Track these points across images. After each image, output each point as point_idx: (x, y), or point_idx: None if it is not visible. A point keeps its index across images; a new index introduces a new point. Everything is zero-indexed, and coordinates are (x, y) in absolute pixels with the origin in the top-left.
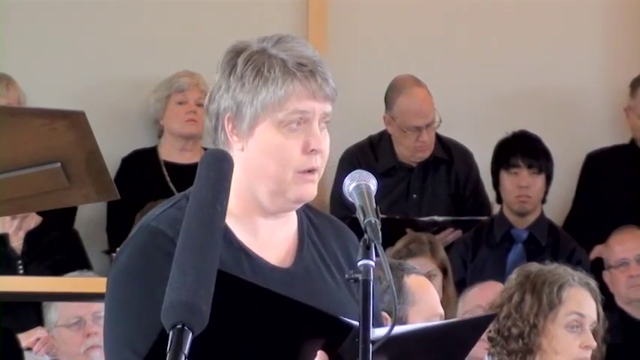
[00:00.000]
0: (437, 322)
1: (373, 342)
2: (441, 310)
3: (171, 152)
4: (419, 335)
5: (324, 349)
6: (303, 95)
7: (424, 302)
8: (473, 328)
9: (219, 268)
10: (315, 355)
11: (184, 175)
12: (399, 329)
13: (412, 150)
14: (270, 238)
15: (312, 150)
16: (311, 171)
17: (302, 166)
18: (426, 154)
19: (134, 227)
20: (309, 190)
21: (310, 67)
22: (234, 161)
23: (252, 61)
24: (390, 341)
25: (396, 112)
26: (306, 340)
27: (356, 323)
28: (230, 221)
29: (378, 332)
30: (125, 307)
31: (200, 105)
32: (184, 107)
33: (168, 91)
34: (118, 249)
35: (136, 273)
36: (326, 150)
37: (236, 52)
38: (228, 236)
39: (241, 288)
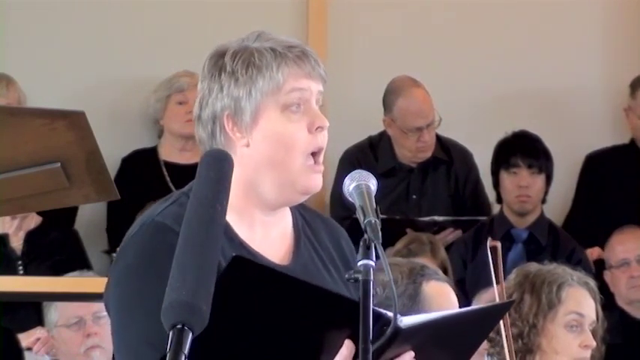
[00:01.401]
0: (457, 310)
1: (375, 340)
2: None
3: (171, 152)
4: (441, 323)
5: (351, 338)
6: (299, 75)
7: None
8: (492, 315)
9: (239, 256)
10: (342, 345)
11: (184, 175)
12: (421, 318)
13: (414, 151)
14: (266, 235)
15: (318, 128)
16: (318, 154)
17: (309, 147)
18: (427, 154)
19: (133, 225)
20: (317, 181)
21: (300, 49)
22: (239, 158)
23: (239, 56)
24: (413, 330)
25: (396, 114)
26: (331, 329)
27: (385, 312)
28: (230, 217)
29: (406, 320)
30: (138, 304)
31: None
32: (184, 107)
33: (169, 91)
34: (119, 247)
35: (146, 268)
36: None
37: (219, 55)
38: (229, 233)
39: (265, 275)
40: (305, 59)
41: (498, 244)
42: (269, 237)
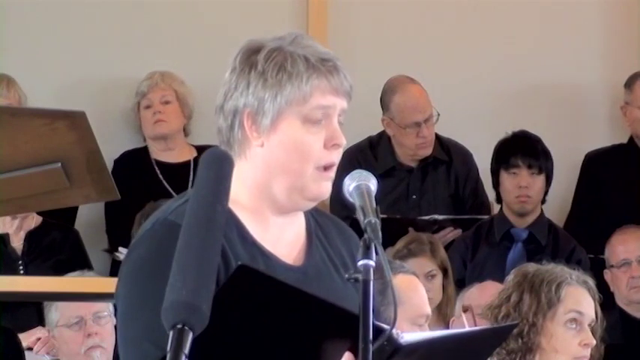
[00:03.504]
0: (460, 330)
1: (373, 342)
2: (428, 311)
3: (158, 154)
4: (443, 342)
5: (351, 350)
6: (326, 90)
7: (410, 302)
8: (494, 337)
9: (245, 264)
10: (342, 356)
11: (177, 173)
12: (423, 335)
13: (414, 148)
14: (279, 236)
15: (334, 145)
16: (329, 167)
17: (322, 161)
18: (428, 151)
19: (146, 222)
20: (326, 188)
21: (333, 63)
22: (252, 157)
23: (273, 58)
24: (414, 347)
25: (393, 111)
26: (332, 341)
27: (386, 327)
28: (243, 216)
29: (407, 337)
30: (145, 300)
31: (166, 103)
32: (150, 110)
33: (137, 98)
34: (131, 243)
35: (155, 266)
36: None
37: (253, 51)
38: (242, 232)
39: (268, 285)
40: (335, 74)
41: (470, 307)
42: (282, 238)
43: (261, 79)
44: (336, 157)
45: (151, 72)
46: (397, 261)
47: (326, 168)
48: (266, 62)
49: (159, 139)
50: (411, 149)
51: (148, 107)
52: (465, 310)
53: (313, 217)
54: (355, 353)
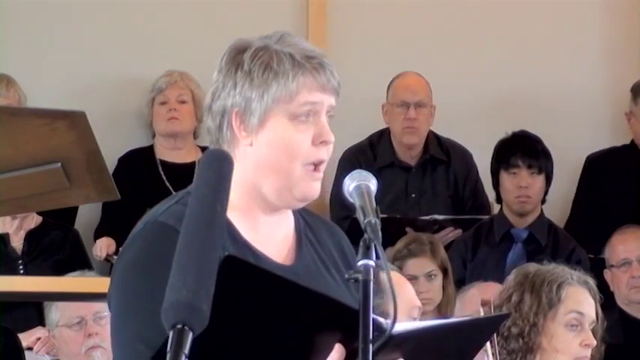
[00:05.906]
0: (452, 319)
1: (375, 340)
2: (419, 303)
3: (164, 152)
4: (433, 332)
5: (342, 342)
6: (313, 87)
7: (400, 296)
8: (486, 327)
9: (233, 255)
10: (332, 349)
11: (181, 174)
12: (414, 325)
13: (401, 132)
14: (269, 236)
15: (322, 142)
16: (318, 165)
17: (310, 158)
18: (414, 139)
19: (138, 224)
20: (315, 189)
21: (319, 60)
22: (242, 156)
23: (259, 57)
24: (404, 337)
25: (390, 95)
26: (322, 333)
27: (377, 318)
28: (233, 216)
29: (397, 327)
30: (136, 302)
31: (182, 102)
32: (165, 107)
33: (152, 93)
34: (122, 245)
35: (146, 267)
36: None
37: (239, 50)
38: (232, 232)
39: (257, 276)
40: (322, 71)
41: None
42: (272, 238)
43: (248, 78)
44: (324, 154)
45: (169, 70)
46: (409, 262)
47: (315, 165)
48: (252, 61)
49: (169, 137)
50: (398, 134)
51: (163, 103)
52: (484, 304)
53: (302, 216)
54: (345, 345)
